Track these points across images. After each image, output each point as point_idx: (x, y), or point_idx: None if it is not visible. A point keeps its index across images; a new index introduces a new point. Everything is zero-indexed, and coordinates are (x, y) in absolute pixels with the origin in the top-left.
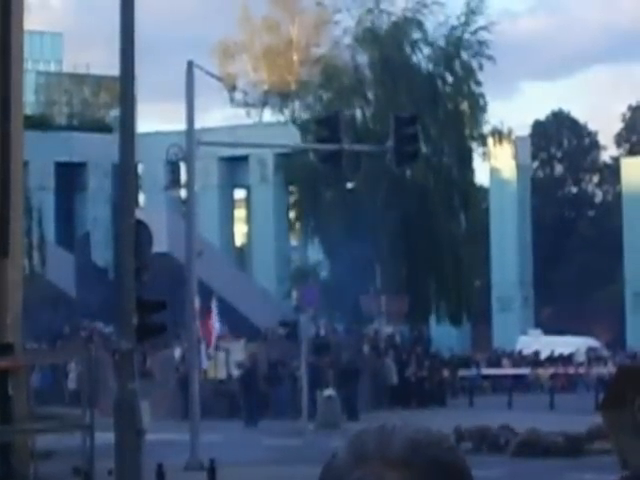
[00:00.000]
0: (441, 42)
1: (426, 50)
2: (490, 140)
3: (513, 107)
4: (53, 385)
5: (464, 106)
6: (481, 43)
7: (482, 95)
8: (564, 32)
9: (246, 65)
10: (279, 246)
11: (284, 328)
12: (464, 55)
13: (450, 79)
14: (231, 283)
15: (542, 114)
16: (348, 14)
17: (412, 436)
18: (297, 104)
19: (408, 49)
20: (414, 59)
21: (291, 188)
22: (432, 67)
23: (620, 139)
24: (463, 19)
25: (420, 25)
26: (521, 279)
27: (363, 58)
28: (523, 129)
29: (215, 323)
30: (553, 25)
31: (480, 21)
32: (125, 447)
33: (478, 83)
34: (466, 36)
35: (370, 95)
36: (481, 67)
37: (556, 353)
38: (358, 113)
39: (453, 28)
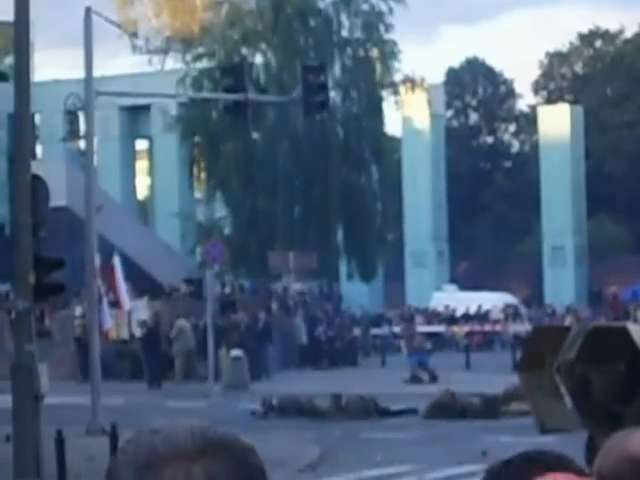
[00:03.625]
0: None
1: None
2: (402, 88)
3: (431, 53)
4: None
5: (374, 52)
6: None
7: (393, 41)
8: None
9: (147, 10)
10: (183, 200)
11: (188, 285)
12: None
13: (358, 24)
14: (133, 238)
15: (460, 60)
16: None
17: (191, 428)
18: (200, 51)
19: None
20: (319, 3)
21: (196, 139)
22: (337, 12)
23: (537, 87)
24: None
25: None
26: (435, 233)
27: (266, 2)
28: (440, 77)
29: (120, 281)
30: None
31: None
32: (23, 412)
33: (389, 28)
34: None
35: (274, 41)
36: (391, 11)
37: (472, 310)
38: (261, 60)
39: None
